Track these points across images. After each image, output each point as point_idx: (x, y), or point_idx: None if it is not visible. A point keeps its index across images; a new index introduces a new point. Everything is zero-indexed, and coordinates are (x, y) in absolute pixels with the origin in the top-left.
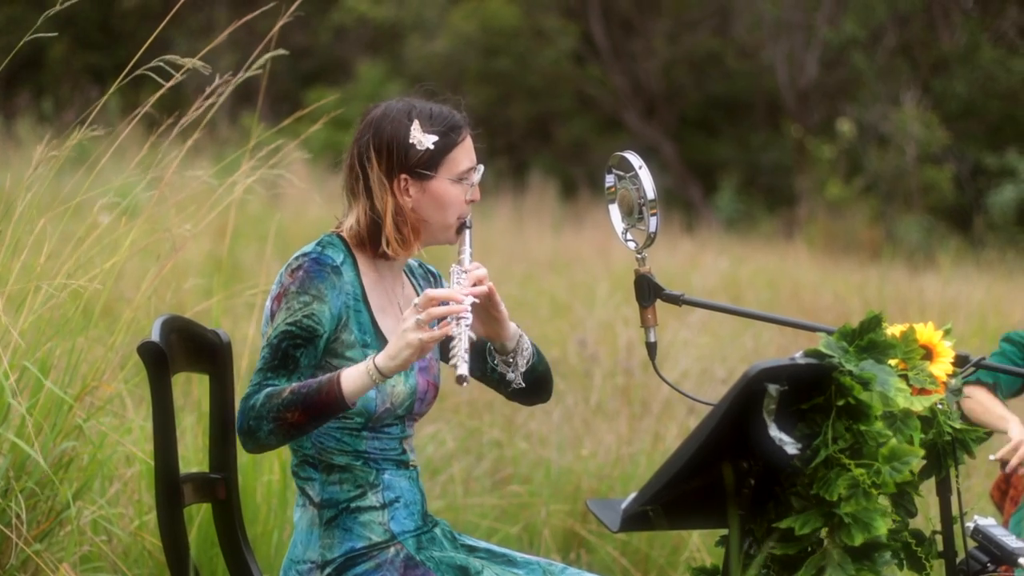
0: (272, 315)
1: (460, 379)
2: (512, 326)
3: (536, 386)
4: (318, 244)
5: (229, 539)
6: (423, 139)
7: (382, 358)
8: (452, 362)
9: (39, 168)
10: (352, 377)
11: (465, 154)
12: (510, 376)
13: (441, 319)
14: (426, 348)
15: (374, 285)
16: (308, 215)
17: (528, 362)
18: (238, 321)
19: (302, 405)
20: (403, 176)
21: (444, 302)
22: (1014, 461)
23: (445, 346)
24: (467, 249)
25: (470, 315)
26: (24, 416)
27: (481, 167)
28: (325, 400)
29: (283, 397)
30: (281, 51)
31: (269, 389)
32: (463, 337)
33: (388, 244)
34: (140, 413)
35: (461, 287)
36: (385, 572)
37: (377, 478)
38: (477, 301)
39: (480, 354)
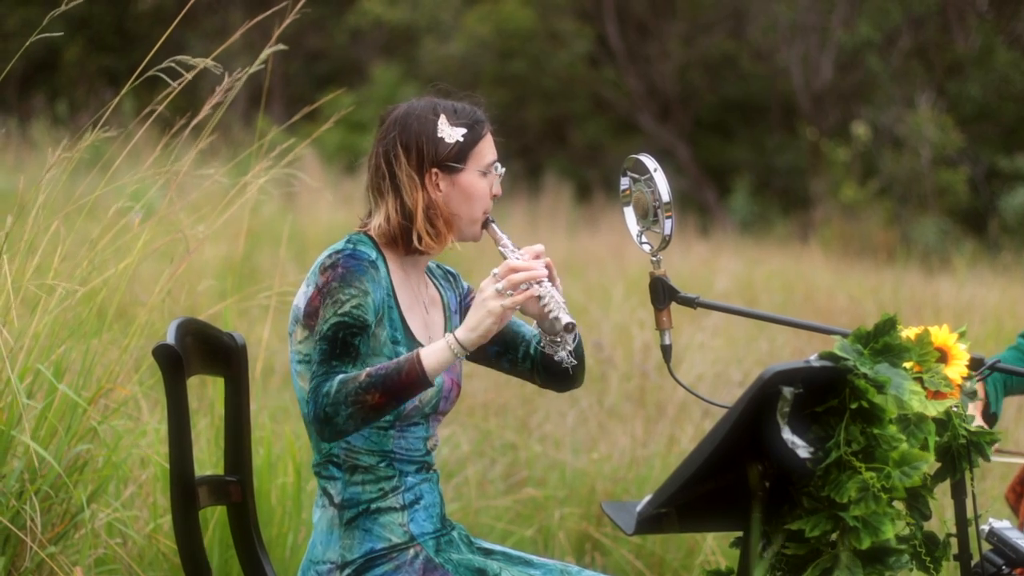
0: (311, 313)
1: (569, 326)
2: None
3: (580, 366)
4: (348, 242)
5: (244, 541)
6: (452, 132)
7: (462, 331)
8: (554, 314)
9: (53, 170)
10: (433, 353)
11: (489, 147)
12: (559, 355)
13: (515, 288)
14: (506, 316)
15: (401, 284)
16: (323, 217)
17: (574, 340)
18: (253, 324)
19: (382, 386)
20: (433, 170)
21: (520, 271)
22: None
23: (528, 311)
24: (504, 237)
25: (547, 276)
26: (38, 419)
27: (502, 169)
28: (407, 380)
29: (360, 381)
30: (282, 46)
31: (340, 376)
32: (553, 292)
33: (420, 239)
34: (155, 416)
35: (526, 258)
36: (404, 574)
37: (399, 480)
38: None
39: (510, 345)
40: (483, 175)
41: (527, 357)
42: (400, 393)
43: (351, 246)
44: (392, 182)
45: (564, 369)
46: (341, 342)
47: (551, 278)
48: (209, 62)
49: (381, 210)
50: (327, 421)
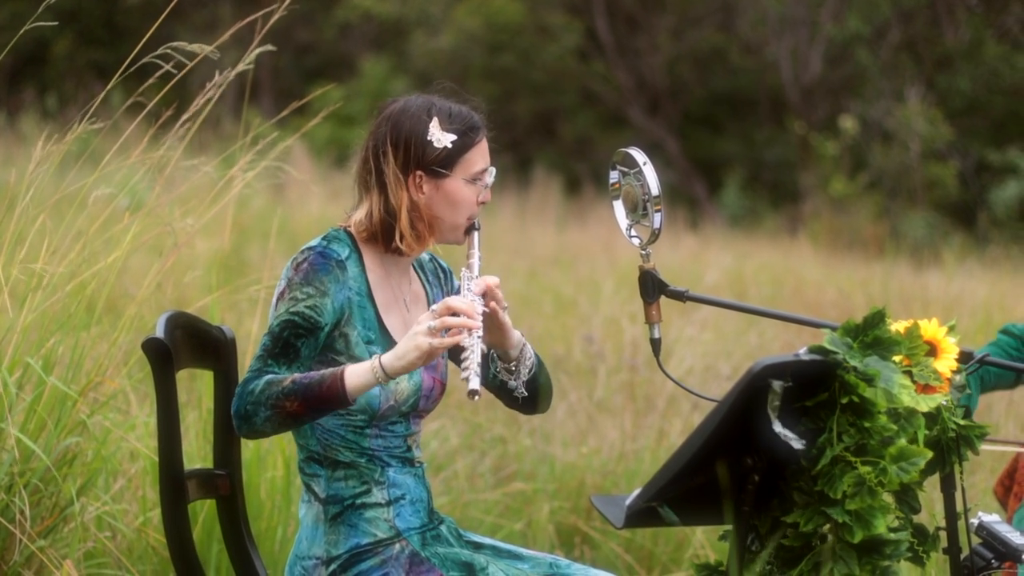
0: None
1: (472, 394)
2: (516, 335)
3: (536, 396)
4: (323, 238)
5: (233, 535)
6: (441, 137)
7: (389, 357)
8: (464, 375)
9: (42, 164)
10: (356, 374)
11: (481, 155)
12: (512, 384)
13: (451, 328)
14: (434, 354)
15: (380, 282)
16: (312, 211)
17: (530, 371)
18: (242, 317)
19: (303, 395)
20: (418, 172)
21: (460, 314)
22: None
23: (454, 349)
24: (476, 252)
25: (482, 330)
26: (27, 412)
27: (493, 170)
28: (327, 394)
29: (284, 386)
30: (269, 47)
31: (269, 376)
32: (475, 350)
33: (402, 239)
34: (144, 409)
35: (474, 296)
36: (390, 568)
37: (382, 475)
38: (487, 311)
39: (483, 360)
40: (470, 183)
41: (496, 376)
42: (318, 406)
43: (324, 243)
44: (378, 178)
45: (524, 395)
46: (284, 341)
47: (494, 313)
48: (207, 48)
49: (364, 205)
50: (246, 419)
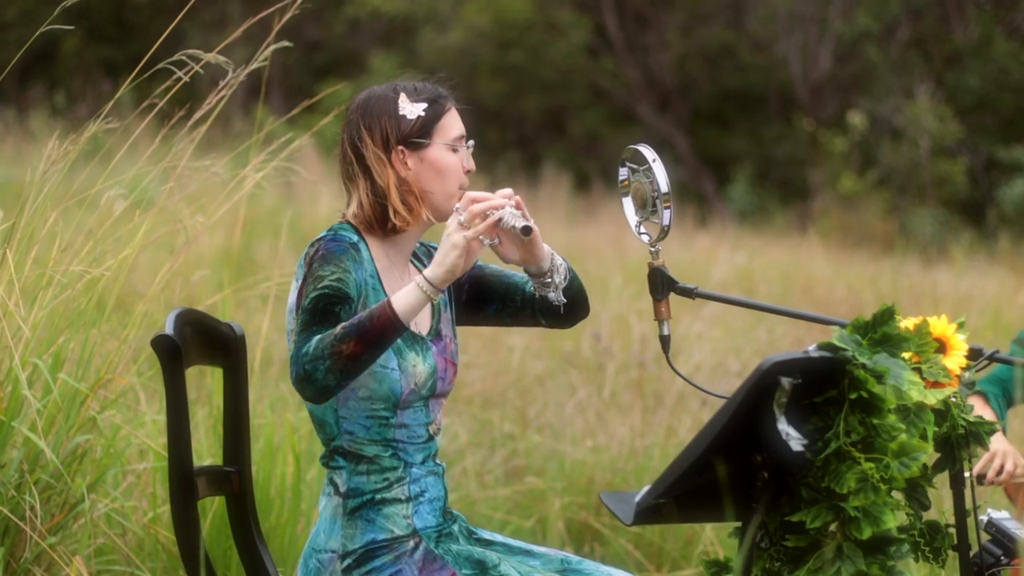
0: (299, 300)
1: (526, 230)
2: (545, 247)
3: (575, 302)
4: (329, 230)
5: (243, 532)
6: (413, 108)
7: (430, 268)
8: (511, 224)
9: (55, 163)
10: (404, 296)
11: (455, 121)
12: (551, 296)
13: (477, 219)
14: (472, 250)
15: (386, 271)
16: (321, 207)
17: (565, 278)
18: (251, 314)
19: (356, 334)
20: (400, 148)
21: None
22: (991, 475)
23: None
24: None
25: (508, 202)
26: (38, 409)
27: (472, 142)
28: (379, 324)
29: (335, 333)
30: (285, 43)
31: (318, 336)
32: (508, 211)
33: (396, 214)
34: (153, 406)
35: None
36: (404, 565)
37: (404, 471)
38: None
39: (506, 297)
40: (452, 150)
41: (525, 304)
42: (374, 339)
43: (332, 232)
44: (361, 164)
45: (564, 302)
46: (322, 311)
47: (520, 205)
48: (220, 58)
49: (355, 196)
50: (307, 379)
